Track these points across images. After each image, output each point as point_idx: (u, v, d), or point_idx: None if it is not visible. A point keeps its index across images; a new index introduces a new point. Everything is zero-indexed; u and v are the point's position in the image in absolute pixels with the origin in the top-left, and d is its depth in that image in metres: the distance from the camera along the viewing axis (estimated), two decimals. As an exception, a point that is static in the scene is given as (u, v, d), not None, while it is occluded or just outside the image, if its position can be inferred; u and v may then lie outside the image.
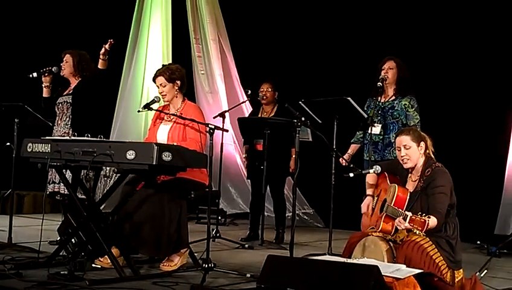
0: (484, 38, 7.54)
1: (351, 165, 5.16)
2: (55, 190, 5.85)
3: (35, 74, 6.05)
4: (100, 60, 5.90)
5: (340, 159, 5.65)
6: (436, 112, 7.20)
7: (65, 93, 6.04)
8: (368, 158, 5.65)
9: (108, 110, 9.11)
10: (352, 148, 5.98)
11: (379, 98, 5.73)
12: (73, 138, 4.79)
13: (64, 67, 6.04)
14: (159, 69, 5.24)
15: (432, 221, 4.02)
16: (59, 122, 5.99)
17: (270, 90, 6.89)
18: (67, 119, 5.93)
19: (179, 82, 5.16)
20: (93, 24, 9.14)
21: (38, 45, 9.33)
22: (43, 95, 6.17)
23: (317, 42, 8.77)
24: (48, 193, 5.91)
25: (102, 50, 5.86)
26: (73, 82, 6.05)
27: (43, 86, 6.15)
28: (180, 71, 5.21)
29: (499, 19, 7.45)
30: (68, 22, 9.55)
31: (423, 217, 3.96)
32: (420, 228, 3.95)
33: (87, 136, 4.63)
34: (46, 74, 6.10)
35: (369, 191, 4.79)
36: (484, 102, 7.51)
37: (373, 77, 5.76)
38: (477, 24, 7.56)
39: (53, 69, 6.07)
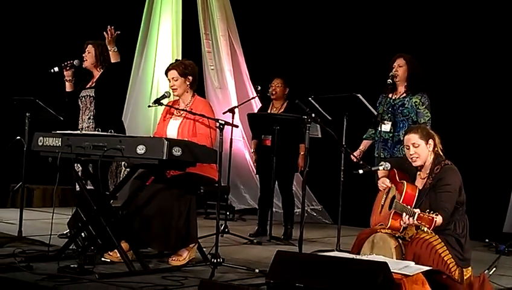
0: (494, 36, 7.50)
1: (361, 162, 5.15)
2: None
3: (56, 68, 5.95)
4: (110, 53, 5.74)
5: (351, 156, 5.65)
6: (446, 109, 7.17)
7: (88, 86, 5.97)
8: (377, 155, 5.65)
9: (118, 105, 9.12)
10: (364, 144, 5.97)
11: (390, 95, 5.72)
12: (84, 132, 4.82)
13: (87, 58, 5.94)
14: (172, 63, 5.26)
15: (439, 219, 4.03)
16: (83, 117, 5.93)
17: (280, 85, 6.88)
18: (91, 113, 5.87)
19: (190, 78, 5.18)
20: (103, 19, 9.13)
21: (47, 41, 9.36)
22: (66, 90, 6.07)
23: (327, 38, 8.75)
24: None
25: (107, 40, 5.68)
26: (96, 73, 5.97)
27: (65, 80, 6.04)
28: (193, 67, 5.22)
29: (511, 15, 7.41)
30: (77, 17, 9.56)
31: (431, 215, 3.97)
32: (428, 226, 3.97)
33: (98, 131, 4.65)
34: (68, 68, 5.99)
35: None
36: (494, 99, 7.48)
37: (384, 74, 5.74)
38: (488, 20, 7.52)
39: (74, 63, 5.98)
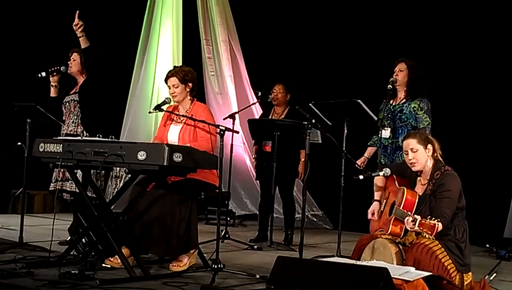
0: (494, 41, 7.51)
1: (361, 168, 5.15)
2: (58, 187, 5.88)
3: (43, 74, 6.09)
4: (80, 40, 5.92)
5: (356, 163, 5.65)
6: (446, 114, 7.18)
7: (72, 92, 6.08)
8: (378, 161, 5.67)
9: (118, 111, 9.14)
10: (369, 151, 5.96)
11: (391, 101, 5.73)
12: (84, 138, 4.83)
13: (72, 65, 6.08)
14: (171, 70, 5.27)
15: (440, 226, 4.03)
16: (66, 121, 6.03)
17: (282, 91, 6.89)
18: (75, 117, 5.97)
19: (190, 84, 5.20)
20: (104, 25, 9.16)
21: (48, 46, 9.37)
22: (51, 95, 6.21)
23: (328, 44, 8.76)
24: (50, 189, 5.98)
25: (75, 28, 5.90)
26: (80, 80, 6.09)
27: (51, 85, 6.18)
28: (193, 74, 5.25)
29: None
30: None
31: (433, 221, 3.96)
32: (430, 232, 3.97)
33: (99, 136, 4.66)
34: (55, 74, 6.13)
35: (376, 195, 4.79)
36: (494, 104, 7.48)
37: (386, 79, 5.74)
38: (489, 25, 7.53)
39: (61, 69, 6.11)
